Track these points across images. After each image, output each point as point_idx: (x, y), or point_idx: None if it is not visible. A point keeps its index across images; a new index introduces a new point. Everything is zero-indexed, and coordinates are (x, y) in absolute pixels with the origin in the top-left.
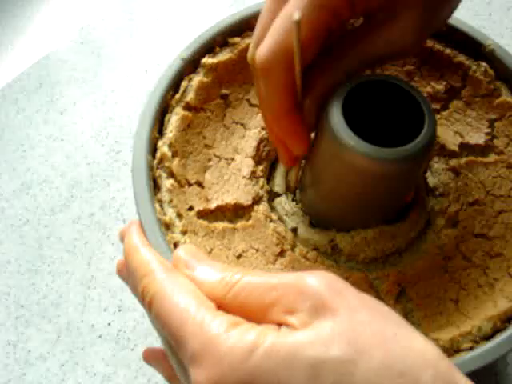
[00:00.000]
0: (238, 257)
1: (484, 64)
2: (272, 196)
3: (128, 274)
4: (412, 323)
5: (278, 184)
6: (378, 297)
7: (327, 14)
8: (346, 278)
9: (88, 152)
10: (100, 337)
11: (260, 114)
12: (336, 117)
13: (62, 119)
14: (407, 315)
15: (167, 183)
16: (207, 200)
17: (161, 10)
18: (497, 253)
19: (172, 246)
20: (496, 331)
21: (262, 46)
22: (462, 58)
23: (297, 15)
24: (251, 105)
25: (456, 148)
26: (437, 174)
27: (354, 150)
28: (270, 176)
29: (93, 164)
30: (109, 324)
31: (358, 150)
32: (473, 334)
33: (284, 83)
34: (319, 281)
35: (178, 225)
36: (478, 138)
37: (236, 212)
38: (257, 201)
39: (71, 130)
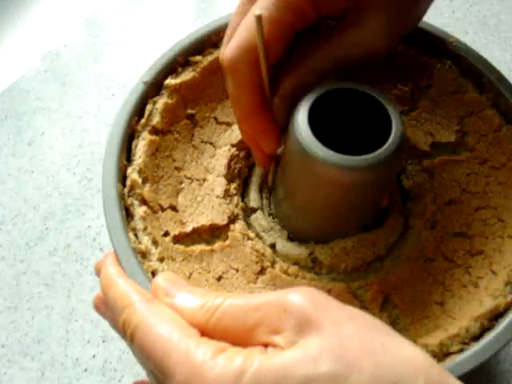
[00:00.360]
0: (219, 279)
1: (448, 61)
2: (248, 212)
3: (106, 307)
4: (399, 330)
5: (254, 199)
6: (363, 306)
7: (291, 14)
8: (329, 291)
9: (60, 182)
10: (85, 370)
11: (228, 131)
12: (303, 129)
13: (31, 150)
14: (394, 322)
15: (140, 211)
16: (182, 223)
17: (123, 31)
18: (478, 250)
19: (150, 274)
20: (484, 330)
21: (229, 45)
22: (426, 57)
23: (258, 11)
24: (218, 123)
25: (428, 148)
26: (411, 175)
27: (323, 162)
28: (244, 193)
29: (65, 194)
30: (93, 356)
31: (327, 161)
32: (461, 336)
33: (250, 81)
34: (302, 297)
35: (155, 252)
36: (448, 136)
37: (213, 233)
38: (232, 219)
39: (41, 160)
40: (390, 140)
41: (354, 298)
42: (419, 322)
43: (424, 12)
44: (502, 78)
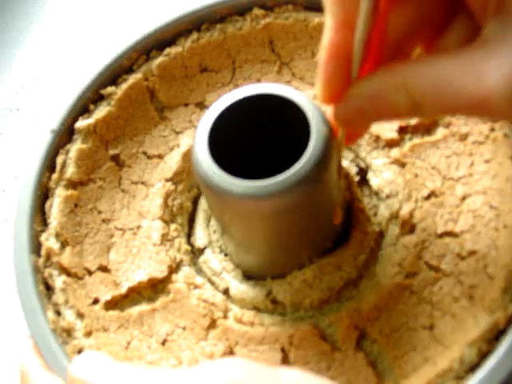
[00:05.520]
0: (163, 343)
1: None
2: (196, 254)
3: None
4: (383, 370)
5: (200, 237)
6: (335, 348)
7: None
8: (291, 336)
9: None
10: None
11: (161, 164)
12: (202, 157)
13: None
14: (375, 362)
15: (59, 282)
16: (116, 285)
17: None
18: (469, 251)
19: (77, 355)
20: (483, 356)
21: None
22: None
23: None
24: (149, 157)
25: (395, 134)
26: (379, 171)
27: (230, 193)
28: (190, 231)
29: None
30: None
31: (235, 193)
32: (454, 370)
33: (336, 20)
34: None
35: (80, 327)
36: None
37: (154, 288)
38: (174, 268)
39: None
40: (309, 151)
41: (321, 339)
42: (405, 357)
43: None
44: None
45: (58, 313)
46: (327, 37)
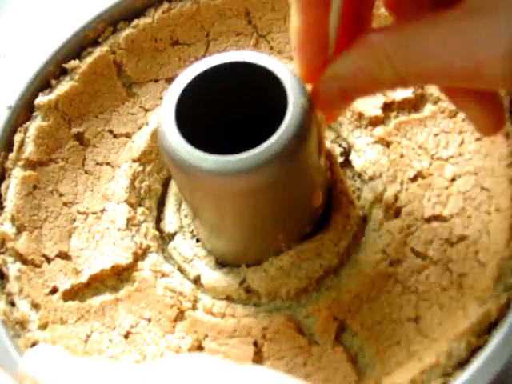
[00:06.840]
0: (126, 336)
1: None
2: (166, 240)
3: None
4: (364, 366)
5: (170, 222)
6: (312, 342)
7: None
8: (265, 329)
9: None
10: None
11: (128, 144)
12: (168, 130)
13: None
14: (356, 357)
15: (14, 269)
16: (77, 272)
17: None
18: (459, 236)
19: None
20: (473, 351)
21: None
22: None
23: None
24: (115, 136)
25: (379, 112)
26: (362, 151)
27: (197, 170)
28: (160, 216)
29: None
30: None
31: (202, 169)
32: (441, 365)
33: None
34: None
35: (35, 319)
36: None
37: (118, 276)
38: (140, 255)
39: None
40: (285, 124)
41: (297, 332)
42: (388, 352)
43: None
44: None
45: (12, 303)
46: (296, 20)
